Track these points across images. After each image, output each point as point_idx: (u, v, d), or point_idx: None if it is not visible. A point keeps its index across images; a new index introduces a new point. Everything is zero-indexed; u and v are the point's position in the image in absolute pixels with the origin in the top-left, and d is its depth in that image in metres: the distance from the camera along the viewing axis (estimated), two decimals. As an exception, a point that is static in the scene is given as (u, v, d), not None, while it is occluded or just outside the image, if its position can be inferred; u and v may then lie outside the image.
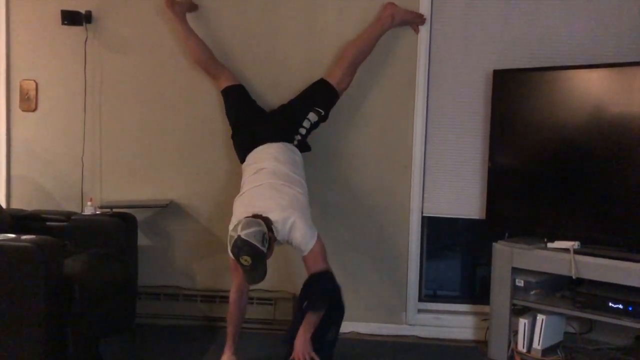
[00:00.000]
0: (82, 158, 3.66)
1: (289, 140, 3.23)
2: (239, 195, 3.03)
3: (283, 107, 3.39)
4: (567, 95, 3.10)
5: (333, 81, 3.35)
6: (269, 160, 3.08)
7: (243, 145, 3.27)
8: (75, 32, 3.61)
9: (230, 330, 3.01)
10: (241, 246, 2.62)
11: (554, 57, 3.32)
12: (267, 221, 2.72)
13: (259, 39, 3.56)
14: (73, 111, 3.67)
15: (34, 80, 3.68)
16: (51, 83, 3.68)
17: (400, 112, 3.52)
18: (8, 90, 3.68)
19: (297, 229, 2.78)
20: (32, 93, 3.68)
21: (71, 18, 3.54)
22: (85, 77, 3.63)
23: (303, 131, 3.30)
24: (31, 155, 3.71)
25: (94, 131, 3.68)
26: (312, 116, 3.31)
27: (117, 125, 3.67)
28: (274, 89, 3.53)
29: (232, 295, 3.01)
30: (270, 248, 2.70)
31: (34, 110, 3.69)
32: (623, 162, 2.93)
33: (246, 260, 2.62)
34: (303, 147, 3.30)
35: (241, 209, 2.87)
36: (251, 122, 3.34)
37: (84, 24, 3.57)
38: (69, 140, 3.68)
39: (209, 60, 3.48)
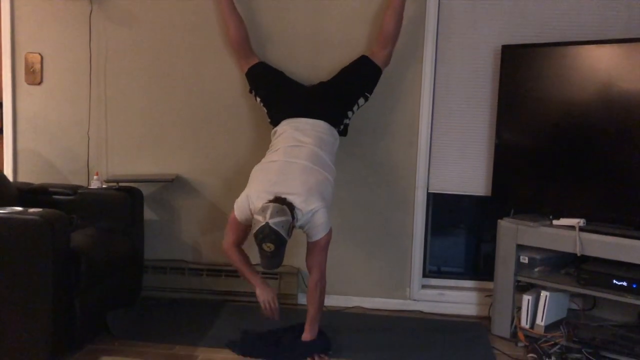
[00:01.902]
0: (87, 131, 3.66)
1: (336, 124, 3.18)
2: (266, 160, 2.99)
3: (329, 87, 3.30)
4: (576, 71, 3.07)
5: (379, 60, 3.29)
6: (313, 138, 3.01)
7: (283, 115, 3.17)
8: (80, 4, 3.58)
9: (248, 273, 2.95)
10: (268, 234, 2.60)
11: (563, 32, 3.29)
12: (290, 207, 2.71)
13: (264, 14, 3.52)
14: (78, 84, 3.66)
15: (39, 53, 3.66)
16: (56, 56, 3.66)
17: (406, 88, 3.50)
18: (13, 64, 3.67)
19: (317, 219, 2.79)
20: (37, 66, 3.66)
21: (76, -10, 3.52)
22: (90, 50, 3.62)
23: (350, 115, 3.27)
24: (37, 128, 3.71)
25: (100, 105, 3.67)
26: (361, 101, 3.28)
27: (123, 99, 3.66)
28: (279, 61, 3.50)
29: (230, 251, 2.95)
30: (290, 235, 2.71)
31: (40, 83, 3.68)
32: (631, 139, 2.91)
33: (269, 247, 2.62)
34: (344, 132, 3.28)
35: (263, 182, 2.85)
36: (290, 93, 3.29)
37: (88, -4, 3.55)
38: (74, 113, 3.68)
39: (245, 42, 3.43)
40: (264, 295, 2.91)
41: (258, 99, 3.36)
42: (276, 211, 2.64)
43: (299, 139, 3.01)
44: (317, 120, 3.10)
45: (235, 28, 3.41)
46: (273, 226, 2.60)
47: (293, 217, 2.70)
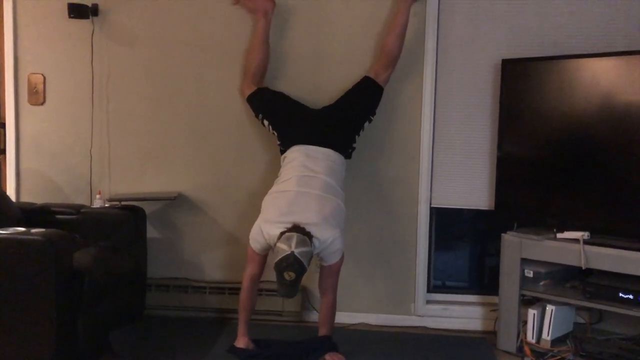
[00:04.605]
0: (90, 151, 3.67)
1: (345, 150, 3.22)
2: (278, 190, 3.02)
3: (337, 112, 3.29)
4: (576, 84, 3.07)
5: (381, 80, 3.32)
6: (323, 168, 3.05)
7: (293, 140, 3.19)
8: (82, 25, 3.61)
9: (243, 317, 3.05)
10: (292, 263, 2.65)
11: (564, 45, 3.30)
12: (309, 236, 2.76)
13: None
14: (81, 104, 3.67)
15: (42, 74, 3.68)
16: (59, 76, 3.68)
17: (407, 103, 3.51)
18: (16, 84, 3.69)
19: (334, 246, 2.86)
20: (40, 87, 3.69)
21: (78, 11, 3.54)
22: (92, 70, 3.64)
23: (357, 139, 3.30)
24: (40, 148, 3.72)
25: (102, 124, 3.68)
26: (366, 124, 3.33)
27: (125, 118, 3.68)
28: (280, 80, 3.52)
29: (246, 284, 3.04)
30: (309, 265, 2.76)
31: (42, 103, 3.70)
32: (633, 151, 2.90)
33: (290, 276, 2.67)
34: (349, 155, 3.31)
35: (276, 211, 2.89)
36: (298, 116, 3.30)
37: (90, 17, 3.57)
38: (77, 133, 3.69)
39: (263, 72, 3.46)
40: (242, 346, 3.02)
41: (266, 123, 3.35)
42: (300, 241, 2.69)
43: (311, 169, 3.03)
44: (328, 149, 3.13)
45: (262, 56, 3.42)
46: (298, 256, 2.65)
47: (312, 247, 2.76)
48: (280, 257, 2.67)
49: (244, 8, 3.50)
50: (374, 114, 3.34)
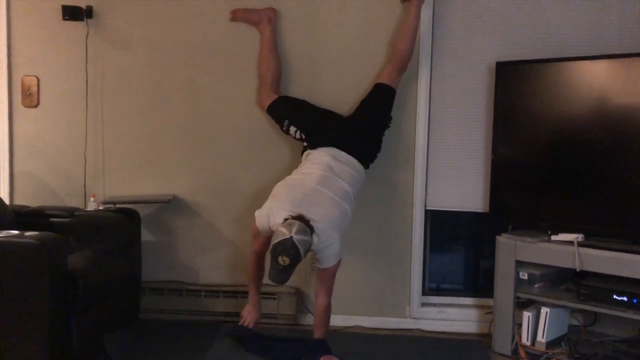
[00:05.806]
0: (84, 153, 3.66)
1: (366, 162, 3.24)
2: (295, 180, 3.04)
3: (361, 123, 3.30)
4: (570, 86, 3.09)
5: (393, 84, 3.34)
6: (346, 175, 3.07)
7: (321, 142, 3.19)
8: (76, 27, 3.60)
9: (252, 287, 3.20)
10: (289, 248, 2.65)
11: (557, 48, 3.31)
12: (311, 229, 2.77)
13: (256, 34, 3.54)
14: (75, 107, 3.66)
15: (36, 76, 3.67)
16: (53, 79, 3.67)
17: (402, 106, 3.50)
18: (10, 86, 3.67)
19: (332, 249, 2.88)
20: (34, 89, 3.67)
21: (72, 13, 3.53)
22: (86, 73, 3.63)
23: (381, 146, 3.33)
24: (34, 151, 3.70)
25: (96, 126, 3.67)
26: (386, 131, 3.35)
27: (120, 121, 3.67)
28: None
29: (252, 258, 3.13)
30: (305, 256, 2.77)
31: (36, 106, 3.69)
32: (627, 153, 2.92)
33: (285, 261, 2.67)
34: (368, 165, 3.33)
35: (287, 199, 2.90)
36: (327, 120, 3.31)
37: (84, 19, 3.56)
38: (71, 135, 3.68)
39: (279, 78, 3.46)
40: (249, 315, 3.17)
41: (292, 129, 3.32)
42: (301, 229, 2.70)
43: (334, 171, 3.05)
44: (353, 158, 3.15)
45: (276, 63, 3.44)
46: (295, 242, 2.66)
47: (311, 239, 2.76)
48: (277, 240, 2.68)
49: (246, 23, 3.50)
50: (391, 118, 3.35)
